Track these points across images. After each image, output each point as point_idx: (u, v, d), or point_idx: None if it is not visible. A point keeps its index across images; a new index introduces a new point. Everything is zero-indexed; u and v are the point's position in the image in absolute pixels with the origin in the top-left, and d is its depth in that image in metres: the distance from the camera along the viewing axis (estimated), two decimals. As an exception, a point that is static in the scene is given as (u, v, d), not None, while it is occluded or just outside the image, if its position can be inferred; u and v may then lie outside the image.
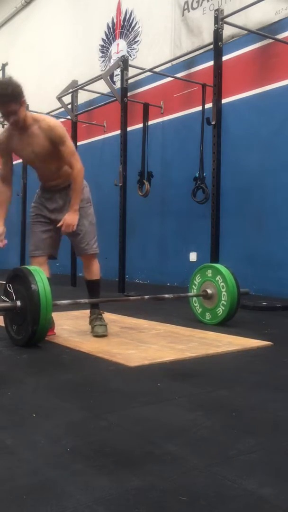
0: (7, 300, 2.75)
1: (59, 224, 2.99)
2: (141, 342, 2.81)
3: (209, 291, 3.47)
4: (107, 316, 3.84)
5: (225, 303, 3.35)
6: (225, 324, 3.39)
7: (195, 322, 3.53)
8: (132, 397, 1.85)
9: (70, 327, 3.33)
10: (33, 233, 3.21)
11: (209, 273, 3.51)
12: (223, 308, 3.36)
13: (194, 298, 3.62)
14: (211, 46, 4.69)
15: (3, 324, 2.92)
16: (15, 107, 2.78)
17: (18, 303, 2.68)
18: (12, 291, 2.74)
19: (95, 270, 3.19)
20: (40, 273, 2.70)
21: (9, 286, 2.77)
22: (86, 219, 3.13)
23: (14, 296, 2.73)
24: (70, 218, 2.97)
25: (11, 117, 2.83)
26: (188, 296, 3.63)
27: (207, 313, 3.51)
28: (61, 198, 3.18)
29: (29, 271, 2.70)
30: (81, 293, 4.77)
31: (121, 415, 1.65)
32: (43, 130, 2.90)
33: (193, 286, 3.61)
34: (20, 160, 8.25)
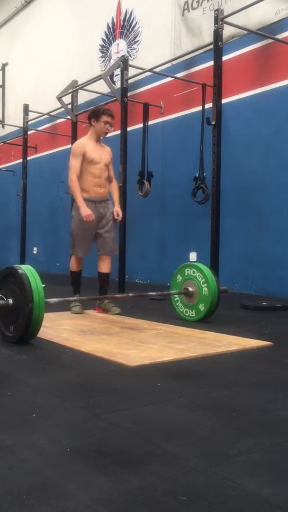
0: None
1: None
2: (141, 342, 2.81)
3: (190, 289, 3.59)
4: (107, 316, 3.85)
5: (206, 300, 3.47)
6: (225, 324, 3.39)
7: (195, 322, 3.53)
8: (132, 397, 1.85)
9: (70, 327, 3.33)
10: None
11: (190, 271, 3.62)
12: (204, 305, 3.48)
13: (176, 297, 3.73)
14: (211, 46, 4.69)
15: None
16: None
17: (10, 301, 2.72)
18: None
19: (110, 266, 4.16)
20: (32, 272, 2.74)
21: None
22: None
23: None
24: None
25: (111, 128, 4.05)
26: (170, 294, 3.75)
27: (189, 310, 3.62)
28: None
29: (21, 269, 2.74)
30: (81, 292, 4.76)
31: (121, 415, 1.65)
32: None
33: (175, 285, 3.74)
34: (20, 160, 8.30)
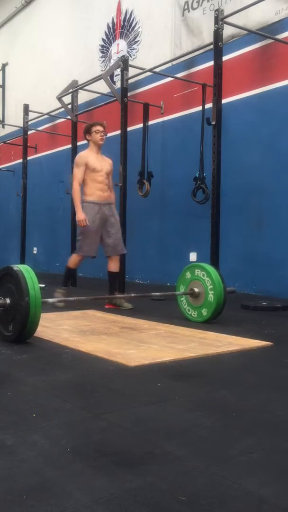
0: None
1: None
2: (141, 342, 2.81)
3: (196, 289, 3.54)
4: (107, 316, 3.85)
5: (211, 301, 3.42)
6: (225, 324, 3.39)
7: (195, 322, 3.53)
8: (132, 397, 1.85)
9: (70, 327, 3.33)
10: None
11: (196, 272, 3.58)
12: (210, 306, 3.43)
13: (182, 297, 3.68)
14: (211, 46, 4.68)
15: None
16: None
17: (8, 300, 2.74)
18: None
19: (119, 265, 4.59)
20: (29, 272, 2.75)
21: None
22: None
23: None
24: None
25: (104, 135, 4.50)
26: (176, 295, 3.70)
27: (194, 311, 3.58)
28: None
29: (19, 269, 2.75)
30: (81, 292, 4.78)
31: (121, 415, 1.65)
32: None
33: (181, 285, 3.68)
34: (20, 160, 8.30)
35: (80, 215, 4.31)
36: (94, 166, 4.43)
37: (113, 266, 4.54)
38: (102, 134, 4.48)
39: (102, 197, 4.46)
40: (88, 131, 4.53)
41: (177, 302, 3.77)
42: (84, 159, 4.44)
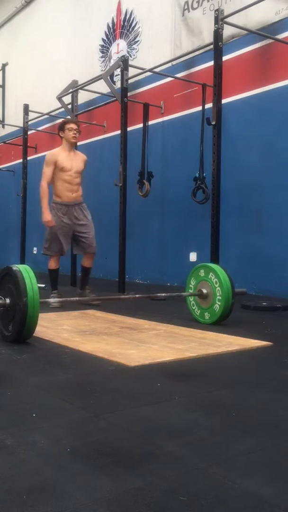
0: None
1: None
2: (141, 342, 2.81)
3: (204, 290, 3.48)
4: (107, 316, 3.85)
5: (219, 302, 3.37)
6: (225, 324, 3.39)
7: (195, 322, 3.53)
8: (132, 397, 1.85)
9: (70, 327, 3.33)
10: None
11: (204, 273, 3.53)
12: (218, 307, 3.38)
13: (191, 299, 3.62)
14: (211, 46, 4.69)
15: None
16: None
17: (7, 300, 2.74)
18: None
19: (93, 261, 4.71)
20: (28, 272, 2.75)
21: None
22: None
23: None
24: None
25: (77, 134, 4.54)
26: (183, 296, 3.64)
27: (204, 312, 3.53)
28: None
29: (18, 269, 2.75)
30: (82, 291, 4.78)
31: (121, 415, 1.65)
32: None
33: (190, 286, 3.63)
34: (20, 160, 8.29)
35: (46, 217, 4.39)
36: (63, 165, 4.44)
37: (87, 261, 4.68)
38: (75, 132, 4.49)
39: (70, 198, 4.49)
40: (61, 128, 4.54)
41: (187, 306, 3.71)
42: (54, 158, 4.45)
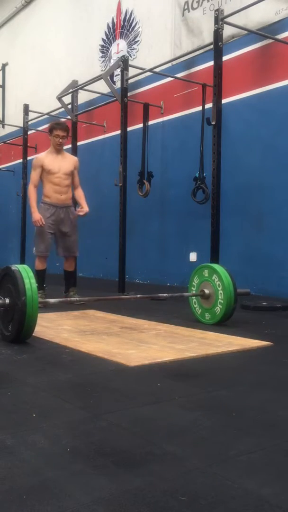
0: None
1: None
2: (141, 342, 2.81)
3: (206, 291, 3.48)
4: (107, 316, 3.85)
5: (222, 302, 3.35)
6: (225, 324, 3.39)
7: (195, 322, 3.53)
8: (132, 397, 1.85)
9: (70, 327, 3.33)
10: None
11: (206, 273, 3.52)
12: (220, 307, 3.37)
13: (194, 300, 3.62)
14: (211, 46, 4.69)
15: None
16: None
17: (7, 300, 2.74)
18: None
19: (74, 264, 4.86)
20: (27, 272, 2.75)
21: None
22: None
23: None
24: None
25: (62, 141, 4.55)
26: (184, 296, 3.64)
27: (206, 313, 3.52)
28: None
29: (17, 269, 2.76)
30: (81, 292, 4.78)
31: (121, 415, 1.65)
32: None
33: (193, 284, 3.62)
34: (20, 160, 8.29)
35: (35, 216, 4.44)
36: (50, 167, 4.50)
37: (68, 265, 4.77)
38: (61, 140, 4.52)
39: (59, 199, 4.55)
40: (50, 131, 4.58)
41: (190, 306, 3.70)
42: (40, 162, 4.53)
